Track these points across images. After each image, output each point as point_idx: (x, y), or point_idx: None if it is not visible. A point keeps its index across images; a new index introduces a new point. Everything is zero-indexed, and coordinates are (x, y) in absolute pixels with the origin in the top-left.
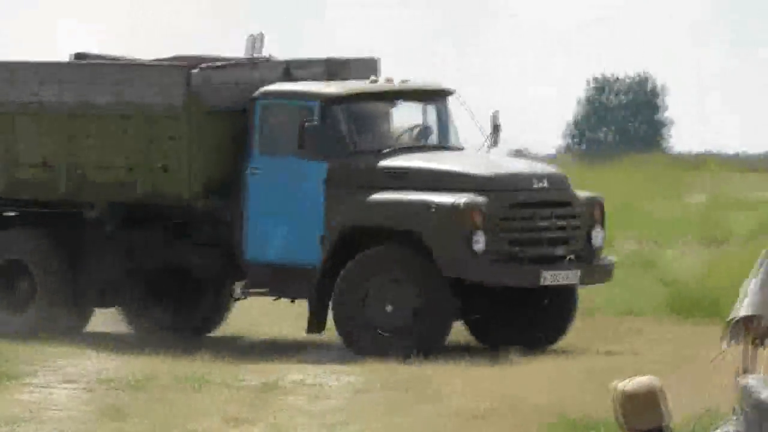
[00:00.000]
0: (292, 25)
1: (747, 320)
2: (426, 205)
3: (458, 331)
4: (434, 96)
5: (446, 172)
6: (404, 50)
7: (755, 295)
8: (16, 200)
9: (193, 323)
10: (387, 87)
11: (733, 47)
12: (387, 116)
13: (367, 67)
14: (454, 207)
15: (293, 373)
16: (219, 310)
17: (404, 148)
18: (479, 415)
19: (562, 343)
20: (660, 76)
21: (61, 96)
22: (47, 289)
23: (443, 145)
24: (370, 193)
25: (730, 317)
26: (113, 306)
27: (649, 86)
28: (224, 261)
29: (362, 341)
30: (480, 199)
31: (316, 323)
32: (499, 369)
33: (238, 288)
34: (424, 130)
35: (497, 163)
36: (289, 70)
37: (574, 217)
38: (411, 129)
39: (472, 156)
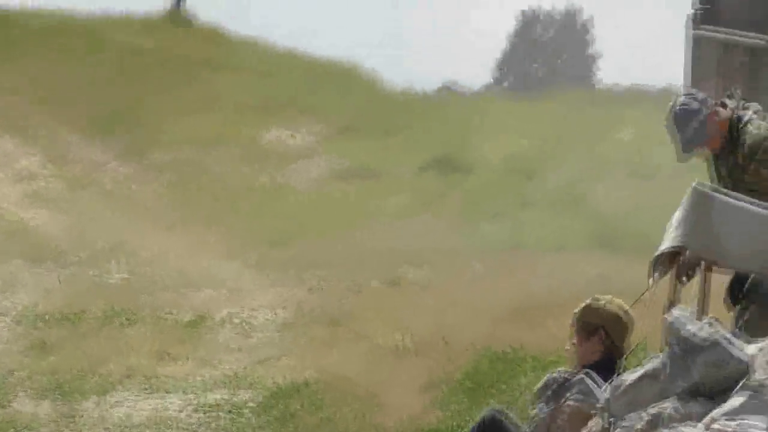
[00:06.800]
0: None
1: (672, 254)
2: None
3: (384, 270)
4: None
5: None
6: None
7: (678, 227)
8: None
9: None
10: None
11: None
12: None
13: None
14: None
15: (223, 308)
16: None
17: None
18: (410, 350)
19: (488, 277)
20: (587, 10)
21: None
22: None
23: None
24: None
25: (657, 252)
26: None
27: (579, 21)
28: None
29: None
30: None
31: None
32: (425, 303)
33: None
34: None
35: None
36: None
37: None
38: None
39: None
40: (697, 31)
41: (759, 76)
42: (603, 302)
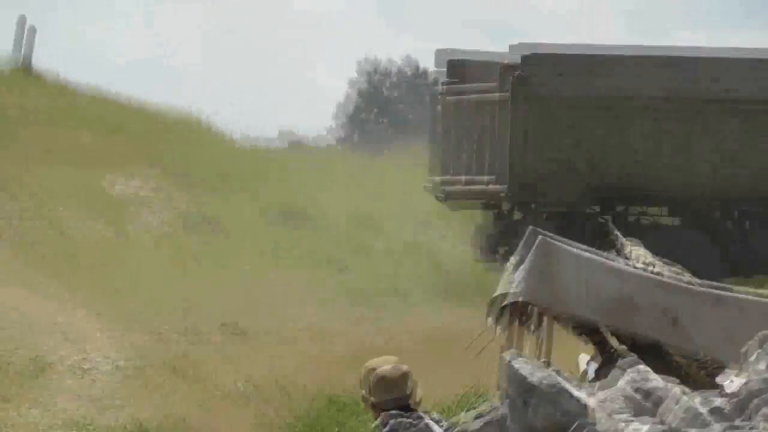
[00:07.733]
0: None
1: (515, 306)
2: None
3: (224, 319)
4: None
5: None
6: None
7: (522, 280)
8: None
9: None
10: None
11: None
12: None
13: None
14: None
15: (63, 354)
16: None
17: None
18: (248, 396)
19: (329, 326)
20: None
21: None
22: None
23: None
24: None
25: (496, 295)
26: None
27: (423, 75)
28: None
29: None
30: None
31: None
32: (264, 351)
33: None
34: None
35: None
36: None
37: None
38: None
39: None
40: (443, 97)
41: (493, 126)
42: (363, 370)
